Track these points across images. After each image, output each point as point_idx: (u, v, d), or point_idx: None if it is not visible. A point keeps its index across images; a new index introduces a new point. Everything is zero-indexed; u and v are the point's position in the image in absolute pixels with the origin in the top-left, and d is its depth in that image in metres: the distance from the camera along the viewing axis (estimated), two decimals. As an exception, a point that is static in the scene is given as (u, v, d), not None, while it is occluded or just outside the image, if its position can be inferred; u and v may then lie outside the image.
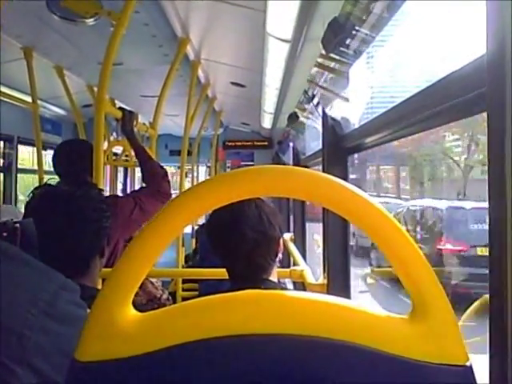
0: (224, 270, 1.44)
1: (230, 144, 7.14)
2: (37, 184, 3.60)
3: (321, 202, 0.61)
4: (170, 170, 8.23)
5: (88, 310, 0.90)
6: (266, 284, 1.37)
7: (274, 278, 1.45)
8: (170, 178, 2.68)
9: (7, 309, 0.85)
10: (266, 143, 6.94)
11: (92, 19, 2.33)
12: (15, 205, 4.51)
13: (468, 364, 0.56)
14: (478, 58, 0.80)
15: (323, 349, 0.56)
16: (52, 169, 2.47)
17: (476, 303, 2.30)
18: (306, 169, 0.61)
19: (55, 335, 0.89)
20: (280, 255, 1.48)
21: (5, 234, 1.20)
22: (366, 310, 0.58)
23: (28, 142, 4.46)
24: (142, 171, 2.66)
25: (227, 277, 1.45)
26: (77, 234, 1.36)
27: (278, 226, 1.40)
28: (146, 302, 2.69)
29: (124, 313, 0.58)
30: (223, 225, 1.37)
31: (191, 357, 0.56)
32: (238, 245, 1.35)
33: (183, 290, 3.98)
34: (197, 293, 4.07)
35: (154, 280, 2.80)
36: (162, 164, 2.69)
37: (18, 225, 1.23)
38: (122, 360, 0.56)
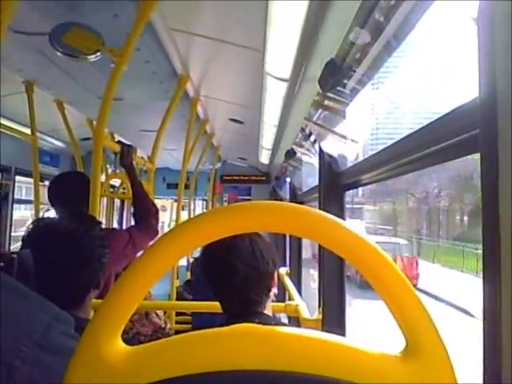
0: (217, 303, 1.43)
1: (227, 178, 7.17)
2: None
3: (315, 239, 0.62)
4: (166, 202, 8.28)
5: None
6: (261, 318, 1.36)
7: (268, 312, 1.44)
8: (168, 208, 2.73)
9: (0, 340, 0.84)
10: (263, 178, 6.97)
11: (94, 56, 2.36)
12: (9, 237, 4.48)
13: None
14: (470, 100, 0.82)
15: None
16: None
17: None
18: (301, 205, 0.61)
19: (47, 367, 0.88)
20: (275, 290, 1.47)
21: (1, 264, 1.20)
22: (359, 347, 0.58)
23: (25, 173, 4.47)
24: (134, 205, 2.67)
25: (221, 310, 1.44)
26: (77, 271, 1.36)
27: (272, 260, 1.40)
28: (152, 332, 2.68)
29: (112, 345, 0.57)
30: (216, 258, 1.38)
31: None
32: (230, 279, 1.35)
33: (177, 322, 3.93)
34: (190, 326, 4.03)
35: (157, 311, 2.82)
36: (159, 196, 2.73)
37: (15, 255, 1.23)
38: None
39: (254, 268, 1.35)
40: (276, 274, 1.44)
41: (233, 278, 1.35)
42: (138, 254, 0.61)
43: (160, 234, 2.60)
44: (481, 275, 0.73)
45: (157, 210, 2.67)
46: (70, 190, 2.42)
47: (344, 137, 2.16)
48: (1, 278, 0.94)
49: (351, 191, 2.12)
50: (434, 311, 0.58)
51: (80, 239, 1.37)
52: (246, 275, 1.34)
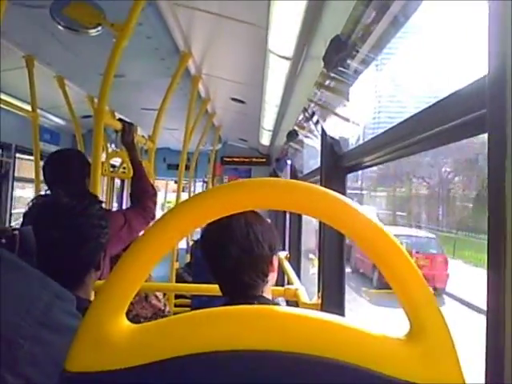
0: (216, 286, 1.43)
1: (227, 160, 7.15)
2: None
3: (318, 215, 0.60)
4: (161, 182, 8.24)
5: None
6: (260, 301, 1.35)
7: (267, 295, 1.43)
8: (162, 189, 2.71)
9: (1, 316, 0.84)
10: (263, 160, 6.95)
11: (95, 30, 2.34)
12: (10, 214, 4.48)
13: None
14: (478, 79, 0.80)
15: (314, 367, 0.55)
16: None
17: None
18: (303, 182, 0.60)
19: (48, 345, 0.88)
20: (275, 275, 1.46)
21: (3, 241, 1.20)
22: (360, 328, 0.57)
23: (26, 151, 4.45)
24: (132, 185, 2.65)
25: (220, 293, 1.44)
26: (74, 249, 1.35)
27: (269, 244, 1.37)
28: (151, 314, 2.70)
29: (116, 324, 0.57)
30: (210, 240, 1.38)
31: (181, 371, 0.55)
32: (223, 261, 1.34)
33: (176, 305, 3.95)
34: (189, 309, 4.05)
35: (156, 293, 2.83)
36: (159, 177, 2.71)
37: (16, 232, 1.22)
38: (111, 372, 0.55)
39: (247, 251, 1.33)
40: (275, 259, 1.41)
41: (226, 261, 1.33)
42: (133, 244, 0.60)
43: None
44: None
45: (155, 193, 2.64)
46: (67, 168, 2.33)
47: (347, 119, 2.14)
48: (2, 255, 0.93)
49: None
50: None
51: (77, 217, 1.36)
52: (239, 258, 1.33)
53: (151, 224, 0.59)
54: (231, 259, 1.33)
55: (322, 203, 0.58)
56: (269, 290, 1.43)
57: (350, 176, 2.06)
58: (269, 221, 1.44)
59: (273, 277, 1.43)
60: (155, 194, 2.63)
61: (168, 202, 8.69)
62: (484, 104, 0.75)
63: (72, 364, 0.56)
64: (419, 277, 0.56)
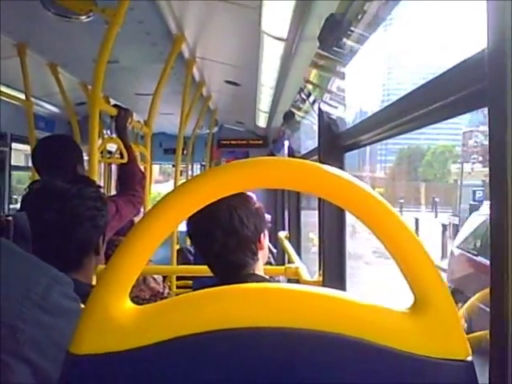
0: None
1: (224, 143, 7.12)
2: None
3: (318, 192, 0.61)
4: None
5: (82, 306, 0.89)
6: (254, 279, 1.40)
7: (259, 273, 1.48)
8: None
9: (0, 302, 0.84)
10: (260, 142, 6.93)
11: (86, 16, 2.31)
12: (8, 204, 4.48)
13: (469, 359, 0.56)
14: (477, 52, 0.80)
15: (318, 342, 0.55)
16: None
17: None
18: (300, 159, 0.60)
19: (48, 328, 0.89)
20: (267, 252, 1.52)
21: None
22: (364, 302, 0.57)
23: (21, 140, 4.43)
24: (121, 169, 2.66)
25: None
26: (69, 231, 1.35)
27: (255, 225, 1.42)
28: (150, 297, 2.72)
29: (120, 306, 0.58)
30: (196, 227, 1.43)
31: (187, 350, 0.56)
32: (210, 246, 1.40)
33: (177, 287, 3.98)
34: (191, 290, 4.07)
35: (155, 276, 2.84)
36: (156, 162, 2.73)
37: (10, 218, 1.22)
38: (117, 353, 0.56)
39: (232, 234, 1.39)
40: (264, 238, 1.47)
41: (213, 246, 1.39)
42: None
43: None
44: None
45: (144, 176, 2.68)
46: (55, 154, 2.27)
47: (343, 98, 2.13)
48: None
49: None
50: None
51: (71, 199, 1.36)
52: (225, 241, 1.38)
53: (154, 205, 0.59)
54: (217, 243, 1.38)
55: (321, 179, 0.58)
56: (260, 266, 1.48)
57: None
58: (256, 204, 1.48)
59: (263, 255, 1.49)
60: (144, 178, 2.68)
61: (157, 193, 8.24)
62: (484, 77, 0.74)
63: (77, 347, 0.57)
64: (422, 249, 0.56)
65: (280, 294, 0.58)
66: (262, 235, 1.46)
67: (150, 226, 0.58)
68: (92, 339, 0.57)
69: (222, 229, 1.38)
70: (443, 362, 0.55)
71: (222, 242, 1.38)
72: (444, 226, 12.98)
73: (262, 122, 5.08)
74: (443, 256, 11.08)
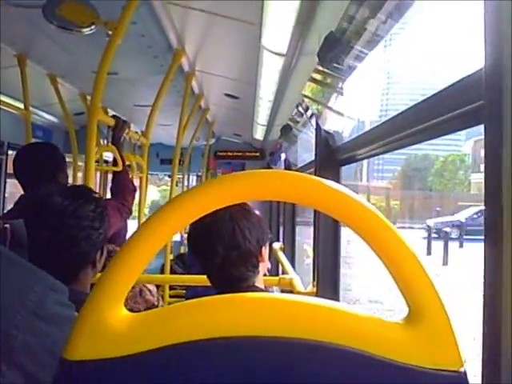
0: None
1: (221, 154, 7.12)
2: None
3: (314, 205, 0.61)
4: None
5: (76, 314, 0.89)
6: (252, 290, 1.37)
7: (259, 285, 1.45)
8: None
9: None
10: (257, 154, 6.93)
11: (88, 28, 2.32)
12: (3, 211, 4.47)
13: (462, 370, 0.56)
14: (475, 71, 0.82)
15: (312, 352, 0.55)
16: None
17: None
18: (296, 172, 0.61)
19: (43, 335, 0.89)
20: (268, 264, 1.49)
21: None
22: (358, 313, 0.58)
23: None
24: (114, 180, 2.67)
25: None
26: (63, 249, 1.34)
27: (257, 239, 1.39)
28: (144, 309, 2.70)
29: (115, 313, 0.58)
30: (197, 239, 1.40)
31: (180, 358, 0.56)
32: (211, 259, 1.37)
33: (170, 296, 3.97)
34: (183, 299, 4.05)
35: (150, 288, 2.83)
36: (152, 172, 2.76)
37: (7, 225, 1.22)
38: (110, 360, 0.56)
39: (234, 248, 1.36)
40: (265, 250, 1.44)
41: (214, 259, 1.36)
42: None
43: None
44: None
45: (135, 188, 2.70)
46: (36, 162, 2.18)
47: (341, 113, 2.15)
48: None
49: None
50: None
51: (67, 218, 1.34)
52: (227, 256, 1.35)
53: (151, 215, 0.60)
54: (218, 256, 1.35)
55: (316, 192, 0.58)
56: (260, 279, 1.45)
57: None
58: (257, 213, 1.46)
59: (263, 266, 1.46)
60: (135, 190, 2.70)
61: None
62: (480, 96, 0.76)
63: (71, 353, 0.57)
64: (417, 261, 0.57)
65: (274, 303, 0.59)
66: (264, 248, 1.44)
67: (147, 235, 0.59)
68: (86, 345, 0.57)
69: (224, 243, 1.35)
70: (437, 372, 0.55)
71: (223, 256, 1.36)
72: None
73: (259, 134, 5.09)
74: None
